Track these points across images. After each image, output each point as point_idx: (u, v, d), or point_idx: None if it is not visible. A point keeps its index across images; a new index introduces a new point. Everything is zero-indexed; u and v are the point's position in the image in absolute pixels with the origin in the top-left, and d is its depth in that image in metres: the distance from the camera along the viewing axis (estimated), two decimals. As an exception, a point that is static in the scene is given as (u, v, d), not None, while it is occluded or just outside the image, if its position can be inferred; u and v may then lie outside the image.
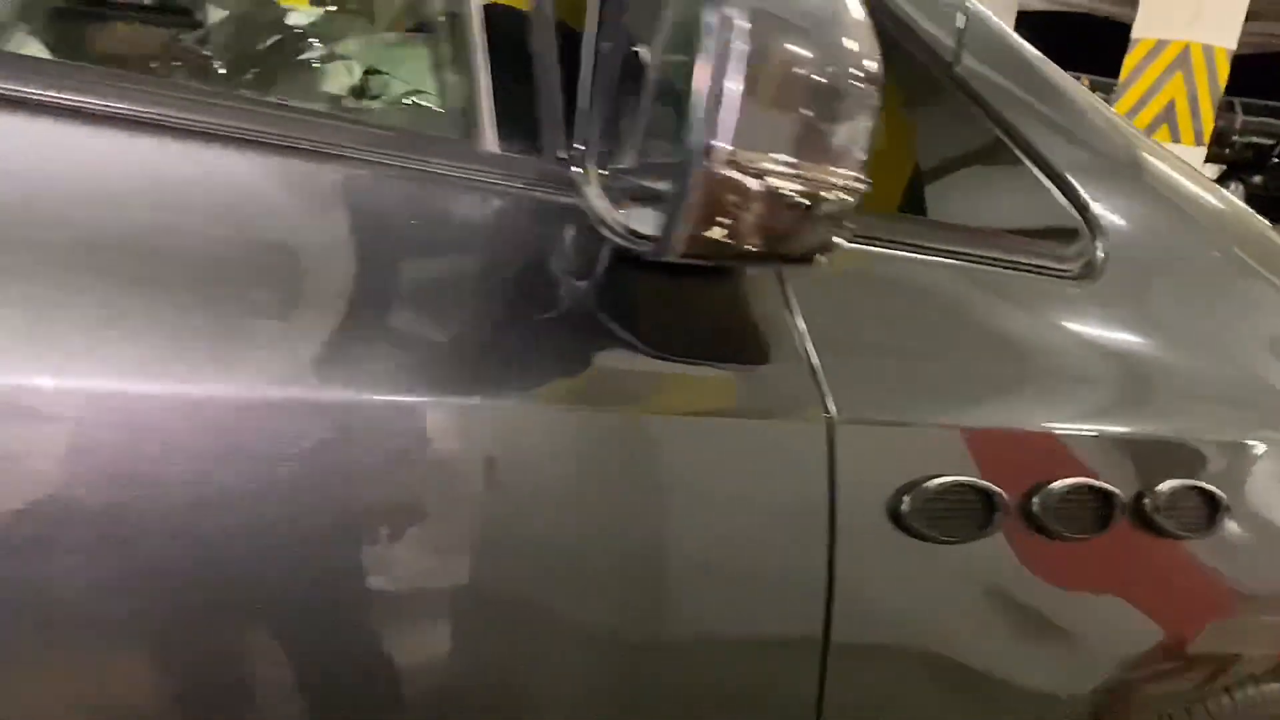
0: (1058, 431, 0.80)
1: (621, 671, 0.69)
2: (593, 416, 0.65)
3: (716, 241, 0.48)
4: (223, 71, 1.23)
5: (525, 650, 0.65)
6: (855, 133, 0.48)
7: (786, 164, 0.47)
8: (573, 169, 0.63)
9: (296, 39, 1.20)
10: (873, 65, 0.49)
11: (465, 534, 0.62)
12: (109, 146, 0.56)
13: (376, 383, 0.58)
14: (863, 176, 0.49)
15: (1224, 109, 6.90)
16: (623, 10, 0.60)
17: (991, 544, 0.77)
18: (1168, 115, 6.61)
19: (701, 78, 0.46)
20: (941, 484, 0.74)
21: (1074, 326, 0.84)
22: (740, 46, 0.45)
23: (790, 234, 0.48)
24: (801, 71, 0.46)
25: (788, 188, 0.47)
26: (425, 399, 0.60)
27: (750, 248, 0.48)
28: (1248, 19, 6.55)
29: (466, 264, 0.65)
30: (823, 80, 0.47)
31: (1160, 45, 6.60)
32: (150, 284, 0.54)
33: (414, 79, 0.91)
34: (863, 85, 0.48)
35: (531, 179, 0.66)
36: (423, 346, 0.62)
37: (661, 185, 0.61)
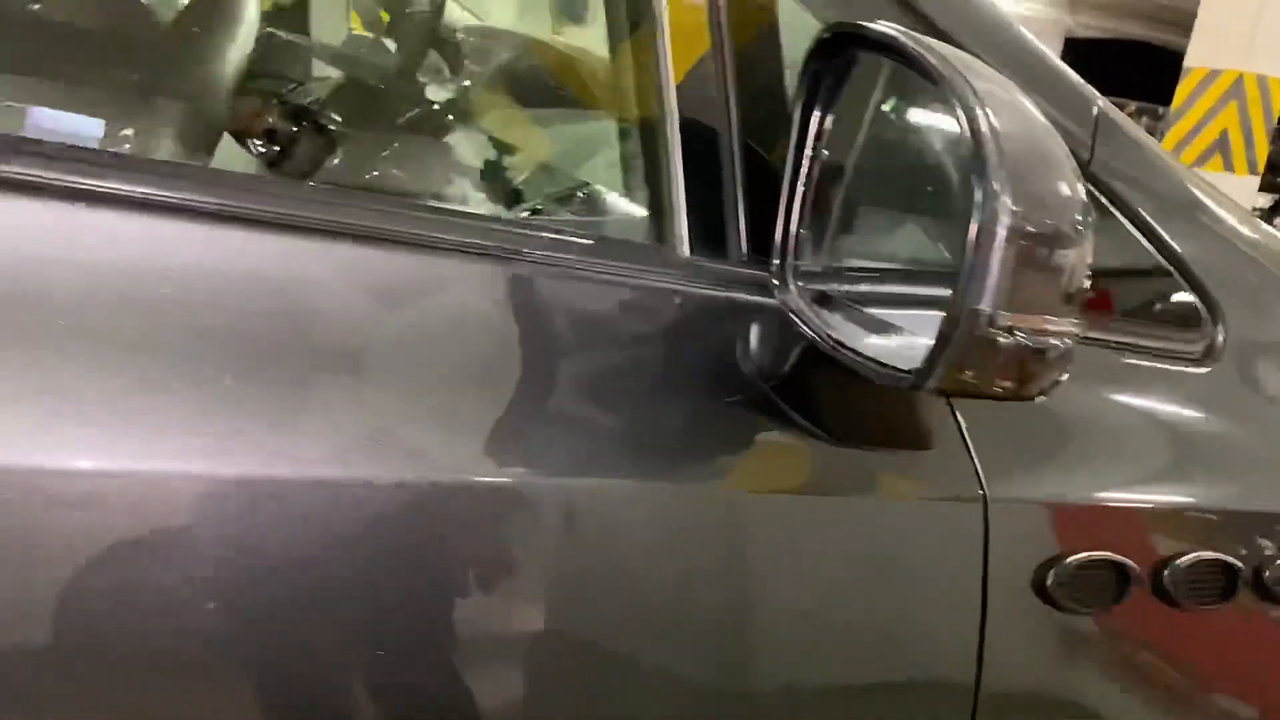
0: (1185, 508, 0.86)
1: None
2: (774, 499, 0.72)
3: (966, 382, 0.55)
4: (346, 144, 1.27)
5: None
6: (1080, 277, 0.55)
7: (1032, 318, 0.53)
8: (774, 278, 0.70)
9: (434, 115, 1.27)
10: (1084, 200, 0.55)
11: (656, 604, 0.69)
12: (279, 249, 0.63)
13: (564, 468, 0.66)
14: (1082, 319, 0.56)
15: (1275, 137, 6.87)
16: (823, 128, 0.67)
17: (1124, 613, 0.83)
18: (1221, 144, 6.59)
19: (970, 246, 0.53)
20: (1081, 559, 0.80)
21: (1197, 407, 0.90)
22: (1005, 221, 0.52)
23: (1030, 378, 0.55)
24: (1046, 233, 0.53)
25: (1032, 339, 0.53)
26: (614, 482, 0.67)
27: (995, 389, 0.55)
28: (1301, 48, 6.52)
29: (660, 359, 0.73)
30: (1059, 236, 0.53)
31: (1213, 75, 6.59)
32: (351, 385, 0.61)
33: (568, 163, 0.97)
34: (1082, 228, 0.54)
35: (719, 281, 0.74)
36: (615, 433, 0.69)
37: (850, 288, 0.68)
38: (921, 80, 0.61)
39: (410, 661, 0.62)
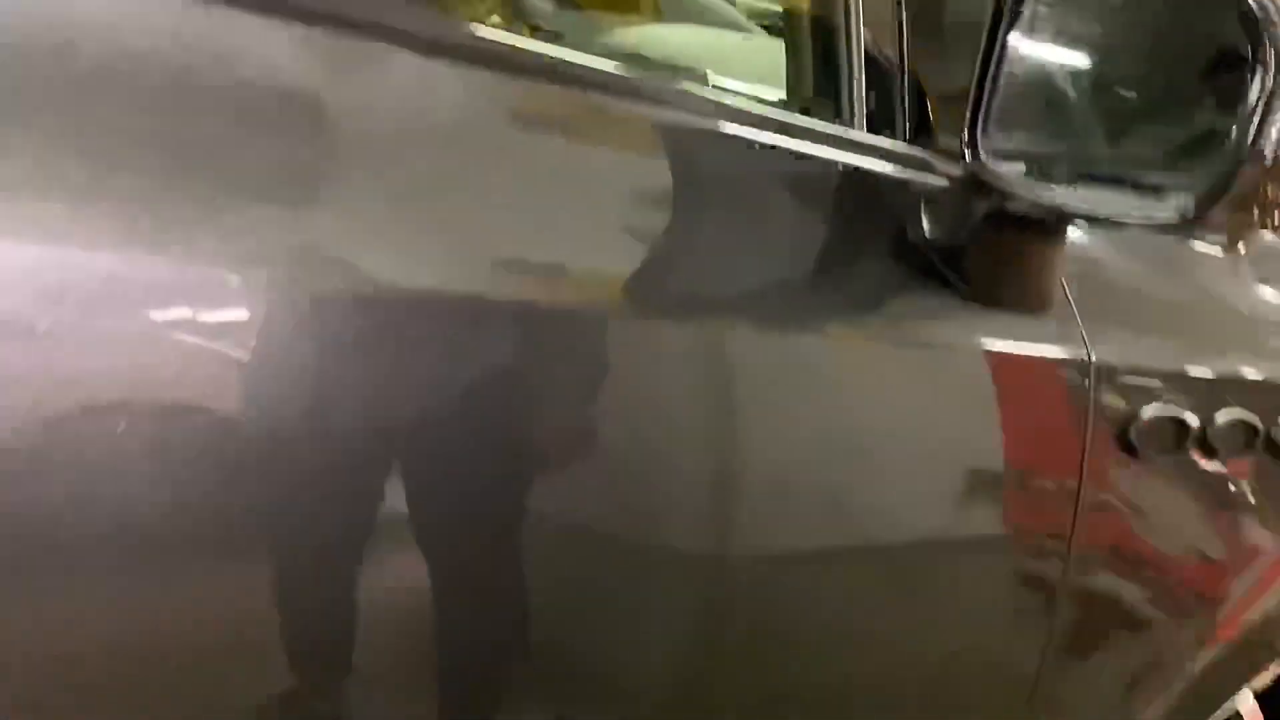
0: (1225, 373, 1.01)
1: (899, 567, 0.85)
2: (924, 349, 0.81)
3: (1234, 216, 0.65)
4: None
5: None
6: None
7: None
8: (966, 148, 0.77)
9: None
10: None
11: (795, 448, 0.74)
12: None
13: (726, 312, 0.71)
14: None
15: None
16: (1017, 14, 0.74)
17: (1180, 462, 0.97)
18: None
19: (1254, 101, 0.62)
20: (1154, 415, 0.93)
21: (1234, 287, 1.05)
22: None
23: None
24: None
25: None
26: (780, 327, 0.73)
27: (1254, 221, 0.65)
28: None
29: (835, 224, 0.80)
30: None
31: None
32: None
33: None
34: None
35: (891, 158, 0.81)
36: (780, 285, 0.75)
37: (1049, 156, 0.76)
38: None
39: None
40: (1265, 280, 1.10)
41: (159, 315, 0.49)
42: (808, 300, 0.76)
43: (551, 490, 0.63)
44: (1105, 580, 0.96)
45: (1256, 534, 1.07)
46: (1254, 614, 1.12)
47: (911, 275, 0.81)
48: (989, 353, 0.84)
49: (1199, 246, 1.06)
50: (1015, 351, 0.85)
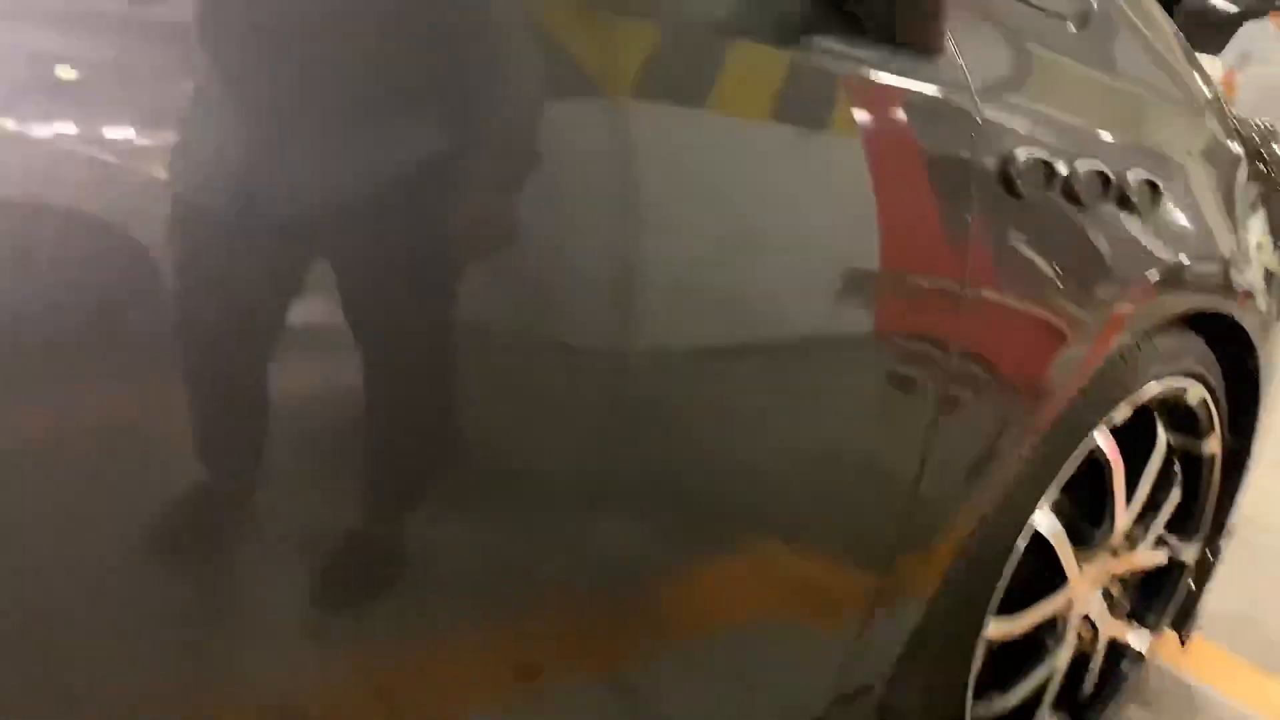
0: (1084, 127, 1.15)
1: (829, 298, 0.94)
2: (823, 83, 0.89)
3: None
4: None
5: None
6: None
7: None
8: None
9: None
10: None
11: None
12: None
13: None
14: None
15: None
16: None
17: (1051, 198, 1.10)
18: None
19: None
20: (1027, 156, 1.06)
21: (1080, 56, 1.19)
22: None
23: None
24: None
25: None
26: None
27: None
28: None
29: None
30: None
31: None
32: None
33: None
34: None
35: None
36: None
37: None
38: None
39: None
40: (1116, 55, 1.25)
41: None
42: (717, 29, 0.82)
43: (466, 278, 0.65)
44: (990, 323, 1.06)
45: (1105, 283, 1.21)
46: (1104, 358, 1.26)
47: (827, 14, 0.90)
48: (887, 86, 0.94)
49: (1067, 24, 1.20)
50: (911, 87, 0.96)
